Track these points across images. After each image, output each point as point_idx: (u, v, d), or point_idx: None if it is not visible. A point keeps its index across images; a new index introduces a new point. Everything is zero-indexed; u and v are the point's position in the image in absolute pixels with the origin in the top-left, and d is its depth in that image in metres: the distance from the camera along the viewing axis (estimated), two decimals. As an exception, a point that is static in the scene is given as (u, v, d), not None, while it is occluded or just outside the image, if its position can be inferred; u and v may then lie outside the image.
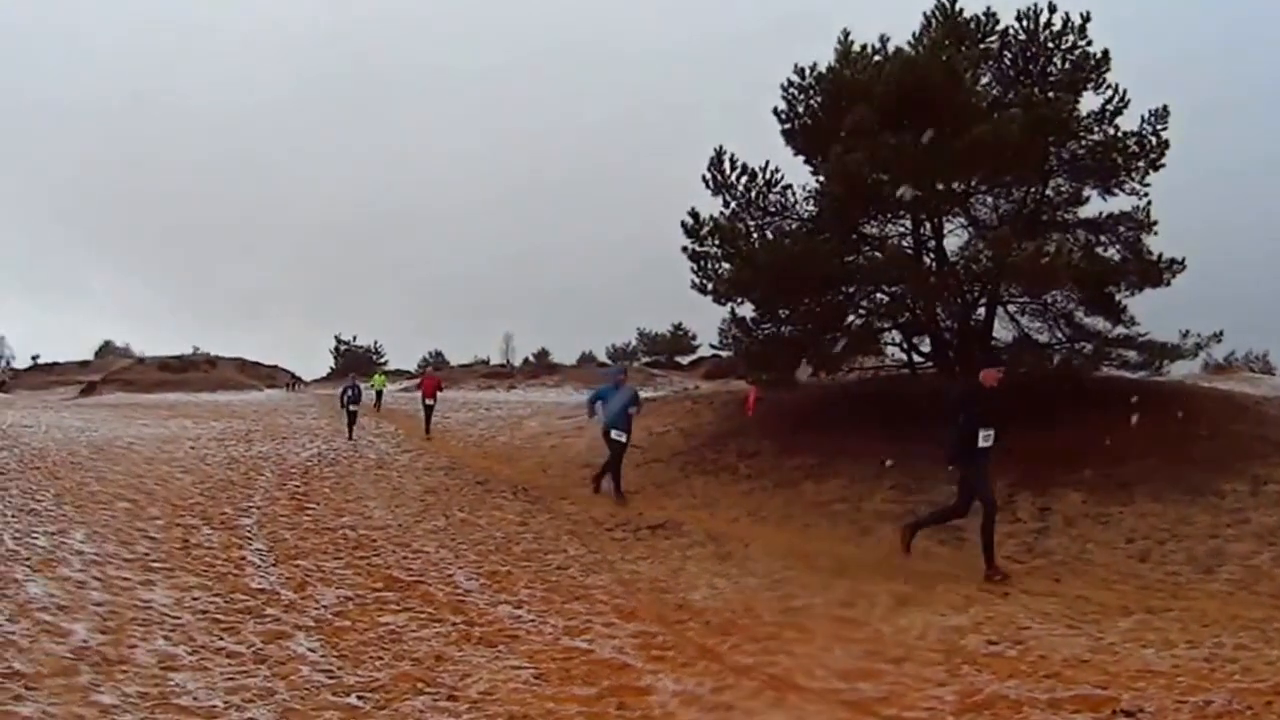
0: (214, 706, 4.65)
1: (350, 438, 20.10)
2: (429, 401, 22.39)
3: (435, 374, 29.16)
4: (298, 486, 12.52)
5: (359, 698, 4.97)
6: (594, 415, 13.22)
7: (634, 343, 52.84)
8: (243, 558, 8.05)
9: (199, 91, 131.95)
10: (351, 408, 21.42)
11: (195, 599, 6.50)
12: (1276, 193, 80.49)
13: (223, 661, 5.26)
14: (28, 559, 7.06)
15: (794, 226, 14.67)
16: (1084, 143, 13.57)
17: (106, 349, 63.94)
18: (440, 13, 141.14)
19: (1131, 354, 12.93)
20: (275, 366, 58.69)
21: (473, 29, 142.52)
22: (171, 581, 6.92)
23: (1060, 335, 14.07)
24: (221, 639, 5.66)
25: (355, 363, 56.21)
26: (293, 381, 52.11)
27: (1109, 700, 5.08)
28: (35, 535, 8.01)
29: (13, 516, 8.77)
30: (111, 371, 49.17)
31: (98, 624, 5.60)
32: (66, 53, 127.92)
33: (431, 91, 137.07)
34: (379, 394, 29.94)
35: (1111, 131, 13.45)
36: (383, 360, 58.37)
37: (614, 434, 12.58)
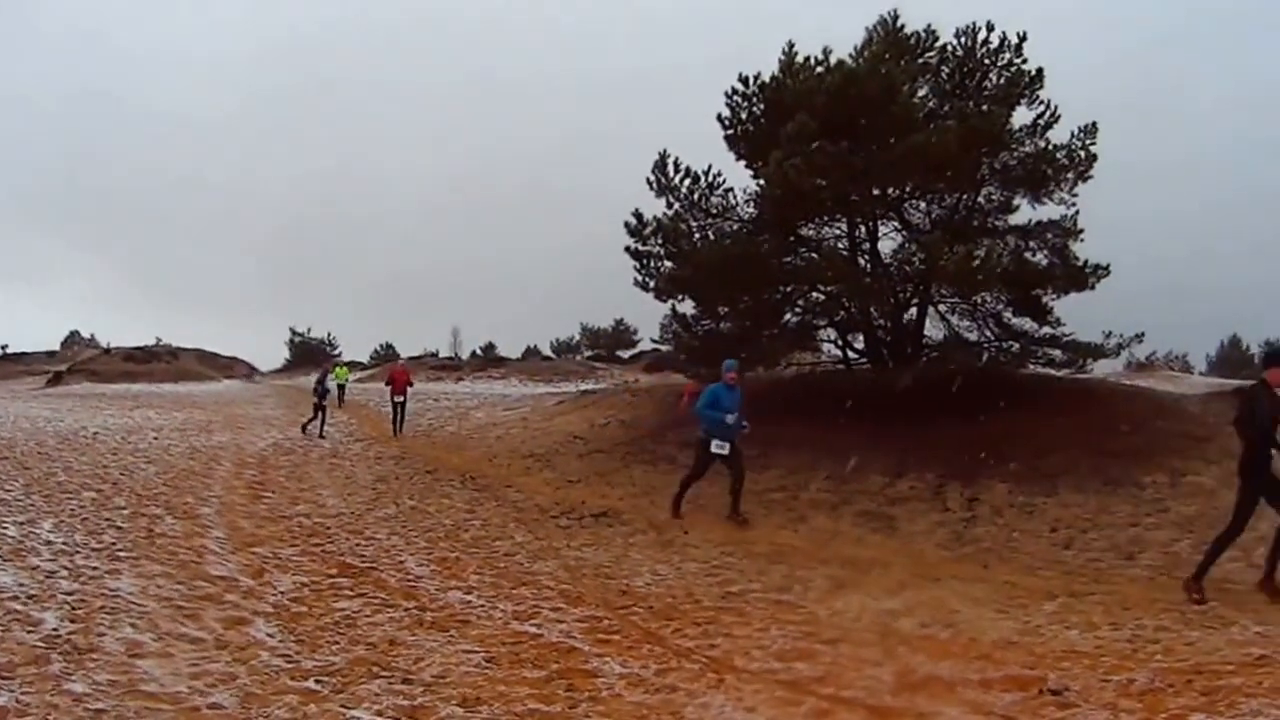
0: (179, 692, 4.55)
1: (321, 435, 18.05)
2: (399, 398, 19.12)
3: (405, 366, 22.66)
4: (255, 476, 12.28)
5: (317, 681, 4.88)
6: (711, 428, 10.40)
7: (577, 337, 52.94)
8: (203, 546, 7.92)
9: (159, 89, 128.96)
10: (323, 401, 18.79)
11: (159, 587, 6.42)
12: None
13: (186, 648, 5.20)
14: (-2, 549, 6.95)
15: (734, 228, 14.70)
16: (1016, 154, 13.80)
17: (73, 339, 62.62)
18: (393, 29, 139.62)
19: (1056, 353, 13.16)
20: (234, 358, 57.96)
21: (425, 45, 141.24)
22: (137, 570, 6.83)
23: (989, 334, 14.29)
24: (185, 625, 5.60)
25: (313, 352, 55.63)
26: (249, 373, 51.16)
27: (1037, 680, 5.14)
28: (5, 525, 7.89)
29: (-16, 507, 8.59)
30: (78, 362, 47.89)
31: (67, 613, 5.56)
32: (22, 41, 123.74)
33: (383, 102, 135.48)
34: (341, 387, 26.99)
35: (1042, 144, 13.71)
36: (337, 352, 57.65)
37: (715, 446, 10.34)
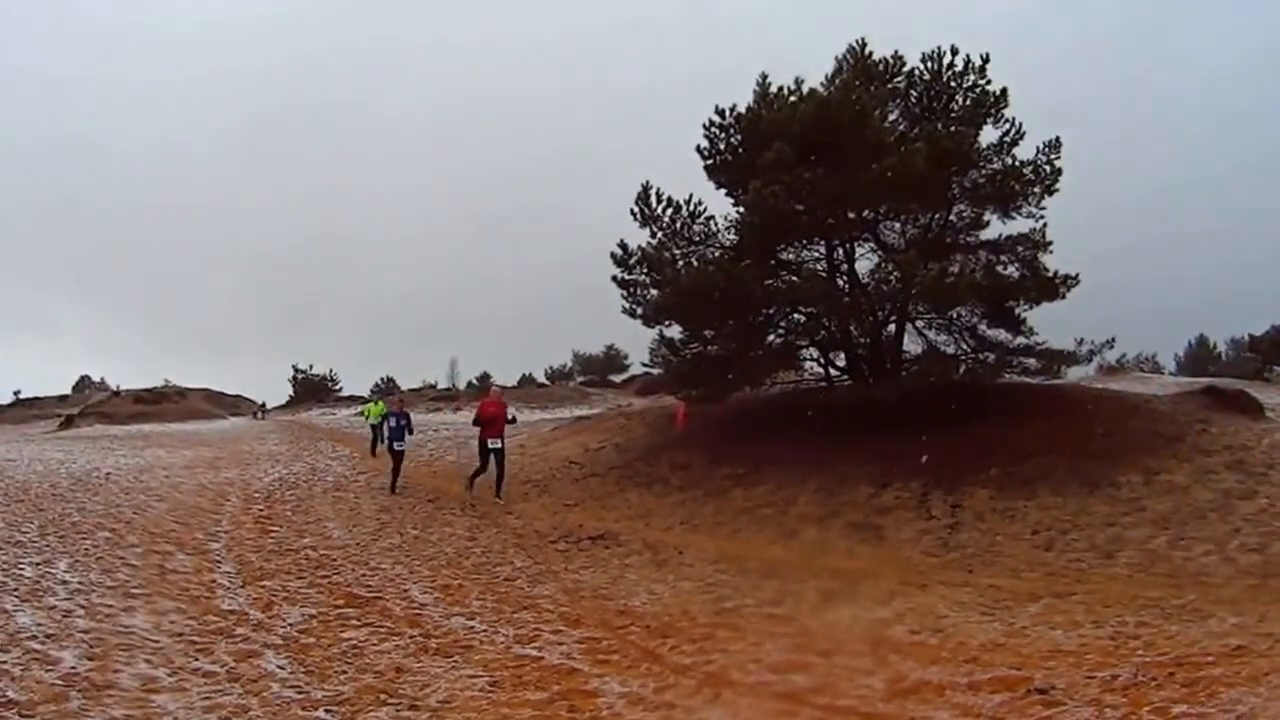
0: (195, 726, 4.53)
1: (393, 490, 14.26)
2: (494, 443, 13.61)
3: (499, 396, 14.96)
4: (261, 510, 12.15)
5: (327, 711, 4.90)
6: None
7: (570, 363, 52.93)
8: (213, 580, 7.84)
9: (145, 126, 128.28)
10: (397, 446, 14.74)
11: (172, 622, 6.38)
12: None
13: (199, 682, 5.19)
14: (15, 590, 6.88)
15: (717, 254, 14.66)
16: (984, 172, 13.87)
17: (84, 383, 62.39)
18: (380, 53, 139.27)
19: (1031, 361, 13.19)
20: (239, 396, 57.74)
21: (415, 70, 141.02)
22: (150, 606, 6.77)
23: (965, 347, 14.27)
24: (197, 660, 5.58)
25: (315, 388, 55.31)
26: (261, 410, 50.91)
27: (1024, 680, 5.17)
28: (22, 566, 7.76)
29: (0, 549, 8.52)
30: (89, 405, 47.67)
31: (84, 650, 5.50)
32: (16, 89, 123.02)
33: (372, 128, 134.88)
34: (375, 428, 21.25)
35: (1009, 161, 13.79)
36: (338, 387, 57.50)
37: None
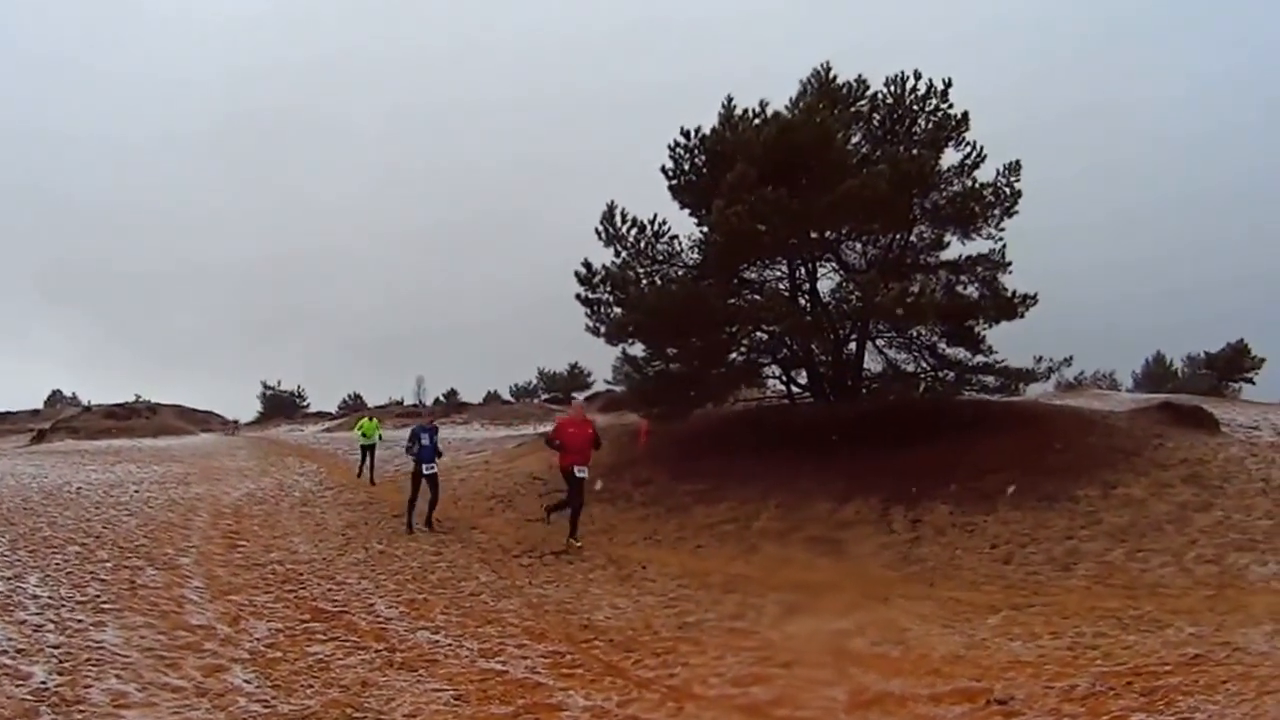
0: (163, 742, 4.39)
1: (429, 524, 12.23)
2: (580, 470, 11.09)
3: (583, 413, 12.34)
4: (230, 525, 12.00)
5: None
6: None
7: (535, 381, 52.73)
8: (183, 595, 7.74)
9: (95, 132, 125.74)
10: (427, 470, 12.42)
11: (142, 637, 6.28)
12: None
13: (168, 696, 5.11)
14: (-13, 605, 6.79)
15: (680, 273, 14.70)
16: (945, 193, 13.95)
17: (56, 398, 61.15)
18: (342, 63, 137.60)
19: (990, 379, 13.27)
20: (209, 412, 56.69)
21: (373, 78, 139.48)
22: (121, 622, 6.67)
23: (925, 365, 14.38)
24: (166, 675, 5.50)
25: (283, 404, 54.57)
26: (234, 427, 50.25)
27: (984, 691, 5.16)
28: None
29: (-29, 565, 8.37)
30: (60, 420, 46.67)
31: (55, 666, 5.43)
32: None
33: (330, 138, 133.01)
34: (369, 448, 18.84)
35: (970, 183, 13.87)
36: (305, 403, 56.89)
37: None
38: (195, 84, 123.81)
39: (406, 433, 14.27)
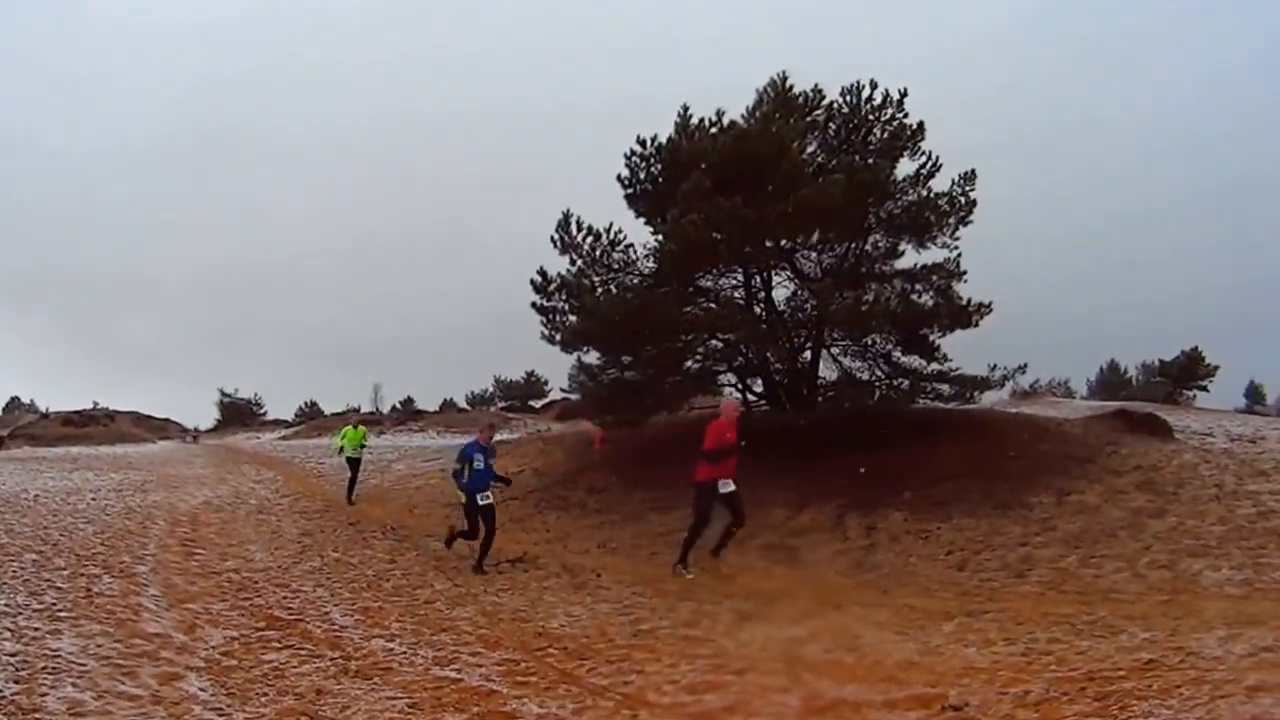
0: (118, 751, 4.50)
1: (480, 568, 9.95)
2: (726, 485, 9.44)
3: (737, 408, 10.63)
4: (187, 533, 11.82)
5: None
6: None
7: (491, 389, 52.49)
8: (139, 604, 7.68)
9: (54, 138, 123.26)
10: (482, 500, 10.17)
11: (99, 646, 6.26)
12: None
13: (125, 705, 5.10)
14: (-58, 614, 6.76)
15: (635, 281, 14.62)
16: (900, 203, 13.98)
17: (13, 405, 59.78)
18: (294, 73, 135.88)
19: (944, 387, 13.30)
20: (167, 419, 55.77)
21: (328, 91, 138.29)
22: (77, 630, 6.64)
23: (880, 373, 14.38)
24: (123, 683, 5.48)
25: (241, 412, 53.76)
26: (194, 434, 49.39)
27: (938, 697, 5.14)
28: None
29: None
30: (18, 426, 45.51)
31: (11, 674, 5.41)
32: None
33: (285, 150, 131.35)
34: (355, 461, 16.20)
35: (925, 193, 13.94)
36: (263, 411, 56.07)
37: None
38: (148, 91, 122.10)
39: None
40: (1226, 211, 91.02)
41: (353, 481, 15.99)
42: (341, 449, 16.40)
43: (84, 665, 5.73)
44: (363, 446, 16.57)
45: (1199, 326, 70.02)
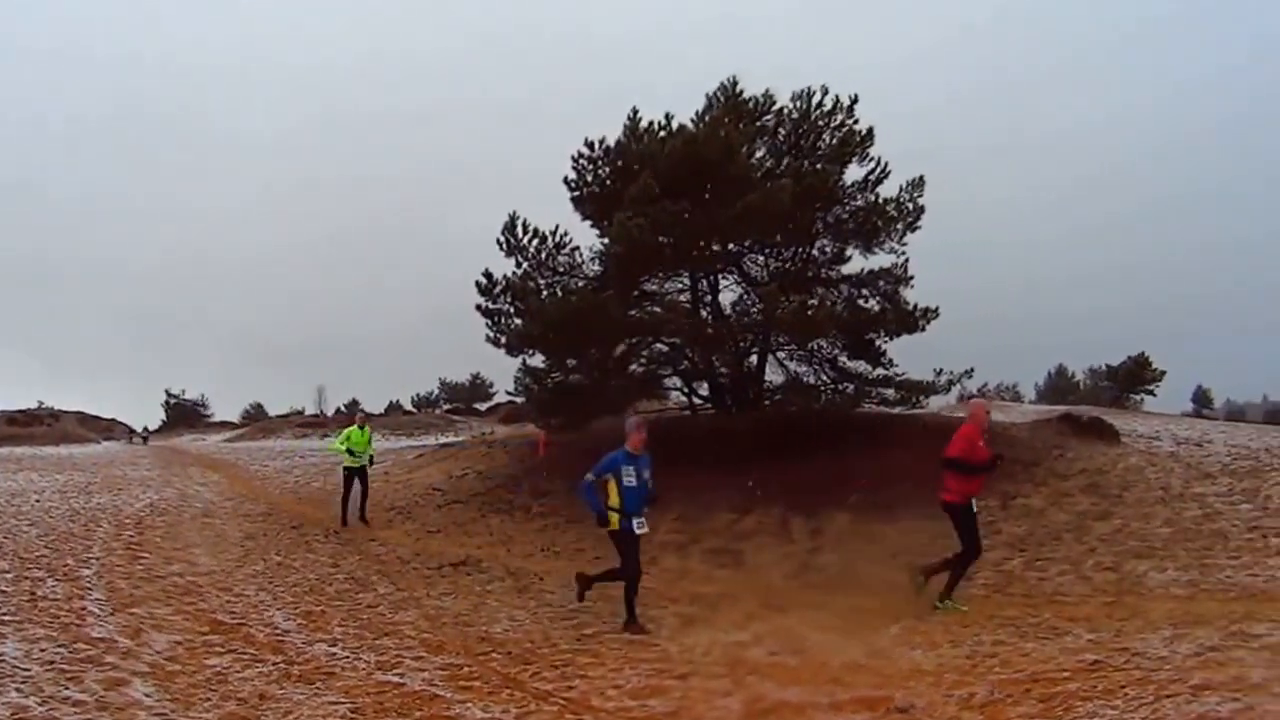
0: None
1: (634, 623, 7.47)
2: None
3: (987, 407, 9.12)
4: (132, 537, 11.67)
5: None
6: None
7: (436, 391, 52.13)
8: (84, 608, 7.67)
9: None
10: (639, 528, 7.86)
11: (43, 650, 6.25)
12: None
13: (69, 711, 5.08)
14: (-118, 620, 6.75)
15: (581, 284, 14.52)
16: (848, 208, 14.09)
17: None
18: (235, 68, 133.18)
19: (890, 392, 13.34)
20: (113, 420, 54.67)
21: (272, 86, 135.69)
22: (21, 634, 6.65)
23: (825, 378, 14.43)
24: (67, 689, 5.47)
25: (187, 413, 52.72)
26: (143, 435, 48.10)
27: (884, 700, 5.10)
28: None
29: None
30: None
31: None
32: None
33: (227, 144, 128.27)
34: (361, 470, 13.21)
35: (873, 198, 14.04)
36: (209, 413, 54.91)
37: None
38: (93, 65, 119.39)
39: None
40: (1180, 222, 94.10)
41: (364, 495, 13.38)
42: (350, 452, 13.14)
43: (28, 670, 5.71)
44: (371, 458, 13.72)
45: (1149, 332, 72.14)
